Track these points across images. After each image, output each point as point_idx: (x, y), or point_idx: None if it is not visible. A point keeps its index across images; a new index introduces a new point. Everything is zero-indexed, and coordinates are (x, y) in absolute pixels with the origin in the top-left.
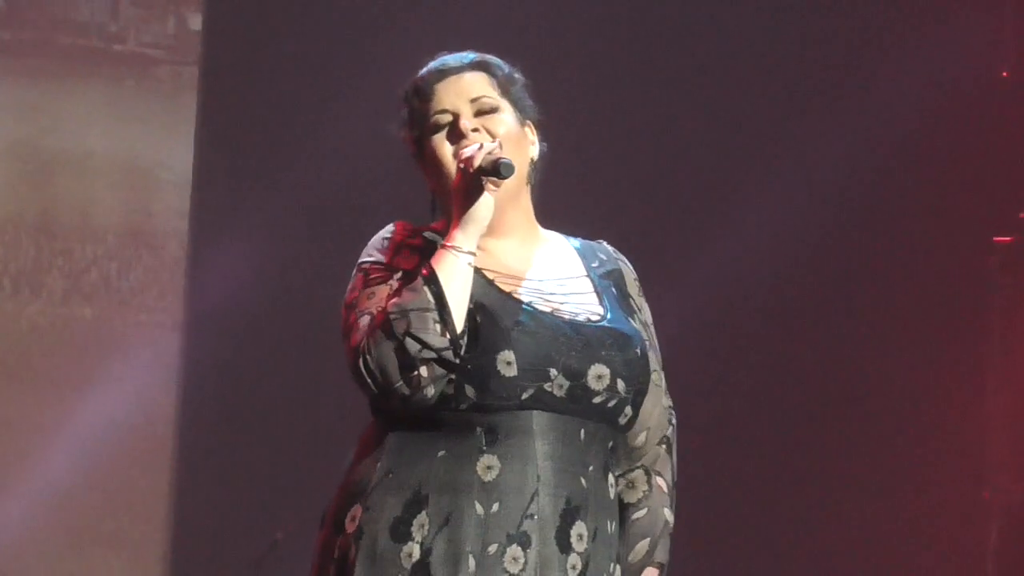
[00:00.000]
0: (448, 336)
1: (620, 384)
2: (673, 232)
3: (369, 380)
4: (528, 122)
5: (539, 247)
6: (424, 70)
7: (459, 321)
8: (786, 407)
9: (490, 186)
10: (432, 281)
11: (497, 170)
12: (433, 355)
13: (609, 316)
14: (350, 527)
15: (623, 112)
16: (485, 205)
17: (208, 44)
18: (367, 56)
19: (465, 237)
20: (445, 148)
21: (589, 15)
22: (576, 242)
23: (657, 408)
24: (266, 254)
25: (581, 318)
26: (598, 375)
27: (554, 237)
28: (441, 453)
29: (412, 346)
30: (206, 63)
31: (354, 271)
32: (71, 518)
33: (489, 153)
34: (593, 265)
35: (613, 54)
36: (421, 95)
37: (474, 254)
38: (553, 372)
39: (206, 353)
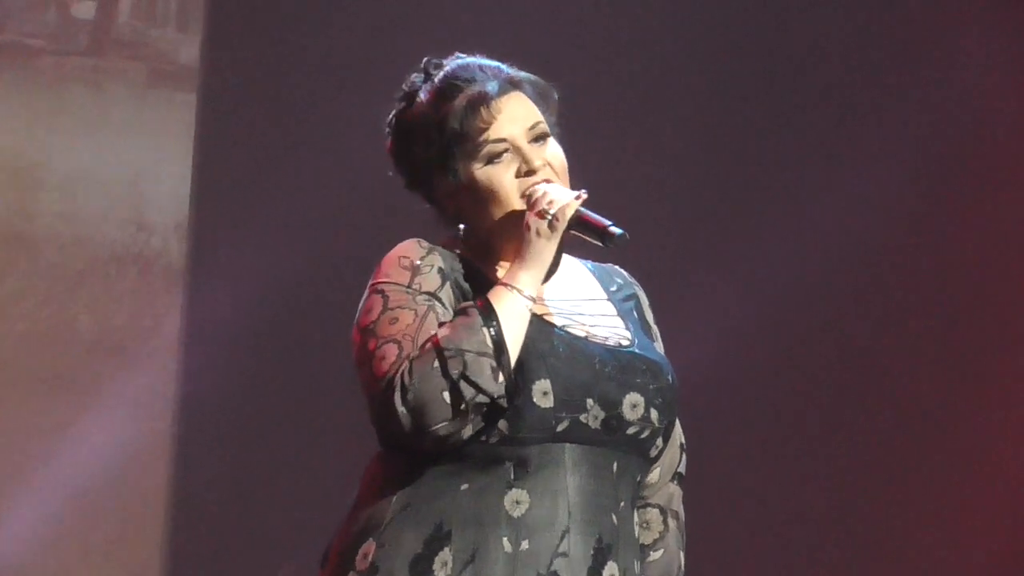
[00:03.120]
0: (503, 382)
1: (654, 414)
2: (715, 235)
3: (406, 418)
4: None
5: (559, 270)
6: (461, 89)
7: (513, 365)
8: (840, 407)
9: (571, 233)
10: (491, 321)
11: (610, 238)
12: (486, 400)
13: (637, 342)
14: (361, 565)
15: (660, 112)
16: (554, 249)
17: (208, 46)
18: (375, 54)
19: (530, 279)
20: (506, 181)
21: (621, 19)
22: (589, 264)
23: (673, 444)
24: (267, 265)
25: (612, 343)
26: (632, 404)
27: (567, 259)
28: (464, 486)
29: (467, 390)
30: (206, 63)
31: (367, 292)
32: None
33: (581, 203)
34: (612, 289)
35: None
36: (468, 119)
37: (535, 300)
38: (590, 402)
39: (205, 368)
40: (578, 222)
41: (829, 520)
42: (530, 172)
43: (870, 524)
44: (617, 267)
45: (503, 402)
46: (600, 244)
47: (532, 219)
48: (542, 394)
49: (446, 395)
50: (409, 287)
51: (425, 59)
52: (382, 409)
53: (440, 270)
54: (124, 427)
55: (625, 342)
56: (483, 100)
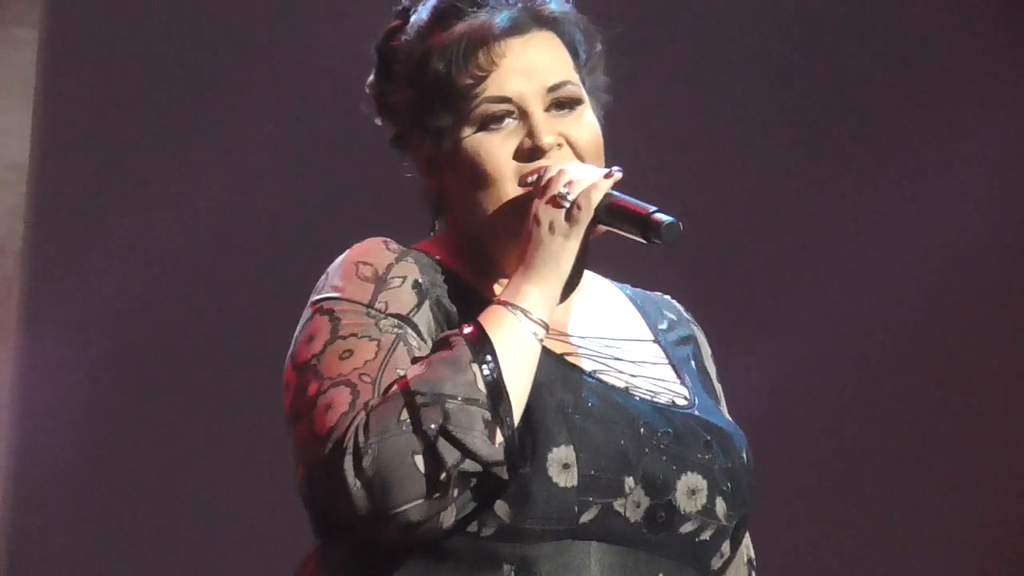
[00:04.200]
0: (502, 443)
1: (720, 506)
2: (794, 247)
3: (361, 493)
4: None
5: (585, 294)
6: (463, 15)
7: (517, 419)
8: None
9: (600, 228)
10: (484, 355)
11: (655, 229)
12: (477, 468)
13: (698, 402)
14: None
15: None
16: (575, 252)
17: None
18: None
19: (540, 296)
20: (501, 157)
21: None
22: (627, 289)
23: (740, 557)
24: (131, 267)
25: (663, 400)
26: (691, 489)
27: (597, 281)
28: None
29: (449, 454)
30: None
31: (309, 313)
32: None
33: (613, 184)
34: (661, 327)
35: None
36: (459, 61)
37: (547, 326)
38: (629, 483)
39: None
40: (610, 211)
41: None
42: (535, 152)
43: None
44: (668, 297)
45: (501, 473)
46: (642, 239)
47: (543, 208)
48: (561, 467)
49: (418, 460)
50: (371, 307)
51: None
52: (326, 481)
53: (416, 284)
54: None
55: (681, 400)
56: (484, 37)
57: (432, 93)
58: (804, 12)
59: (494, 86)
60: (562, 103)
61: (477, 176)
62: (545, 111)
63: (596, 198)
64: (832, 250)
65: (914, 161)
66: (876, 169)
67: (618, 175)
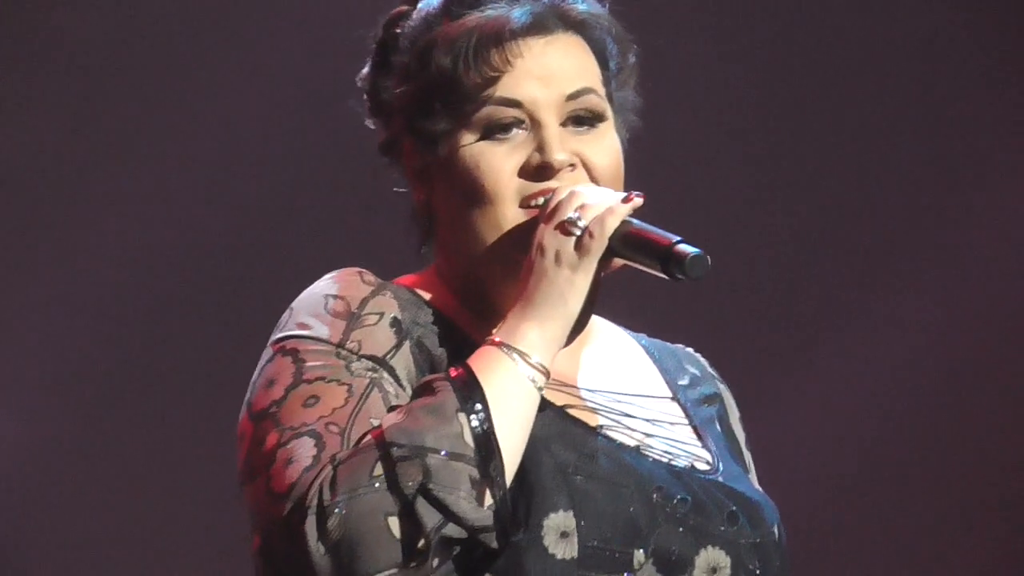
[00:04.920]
0: (491, 506)
1: None
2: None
3: (326, 561)
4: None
5: (594, 341)
6: (480, 5)
7: (510, 479)
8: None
9: (616, 262)
10: (473, 403)
11: (678, 263)
12: (463, 534)
13: (721, 468)
14: None
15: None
16: (586, 288)
17: None
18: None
19: (541, 337)
20: (504, 172)
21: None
22: (643, 339)
23: None
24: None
25: (681, 464)
26: (712, 566)
27: (609, 329)
28: None
29: (429, 515)
30: None
31: (269, 354)
32: None
33: (631, 211)
34: (680, 383)
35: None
36: (467, 57)
37: (548, 373)
38: (639, 557)
39: None
40: (626, 240)
41: None
42: (544, 170)
43: None
44: (690, 350)
45: (490, 541)
46: (663, 275)
47: (549, 235)
48: (558, 535)
49: (393, 522)
50: (341, 347)
51: None
52: (285, 546)
53: (395, 322)
54: None
55: (702, 465)
56: (499, 33)
57: (432, 91)
58: (841, 57)
59: (504, 88)
60: (582, 118)
61: (473, 192)
62: (561, 125)
63: (611, 225)
64: (871, 299)
65: (964, 205)
66: (922, 215)
67: (638, 201)
